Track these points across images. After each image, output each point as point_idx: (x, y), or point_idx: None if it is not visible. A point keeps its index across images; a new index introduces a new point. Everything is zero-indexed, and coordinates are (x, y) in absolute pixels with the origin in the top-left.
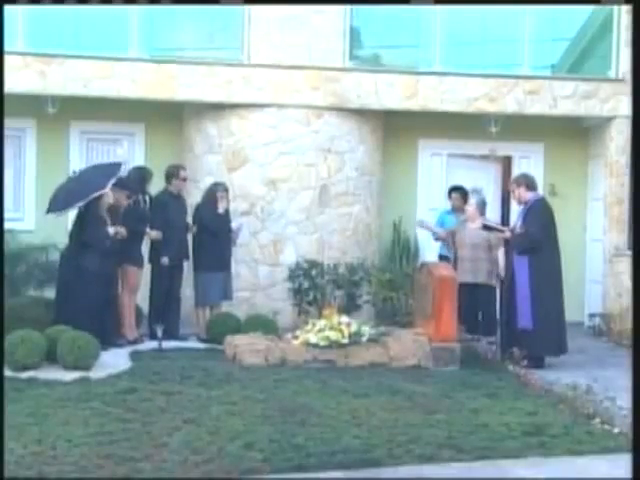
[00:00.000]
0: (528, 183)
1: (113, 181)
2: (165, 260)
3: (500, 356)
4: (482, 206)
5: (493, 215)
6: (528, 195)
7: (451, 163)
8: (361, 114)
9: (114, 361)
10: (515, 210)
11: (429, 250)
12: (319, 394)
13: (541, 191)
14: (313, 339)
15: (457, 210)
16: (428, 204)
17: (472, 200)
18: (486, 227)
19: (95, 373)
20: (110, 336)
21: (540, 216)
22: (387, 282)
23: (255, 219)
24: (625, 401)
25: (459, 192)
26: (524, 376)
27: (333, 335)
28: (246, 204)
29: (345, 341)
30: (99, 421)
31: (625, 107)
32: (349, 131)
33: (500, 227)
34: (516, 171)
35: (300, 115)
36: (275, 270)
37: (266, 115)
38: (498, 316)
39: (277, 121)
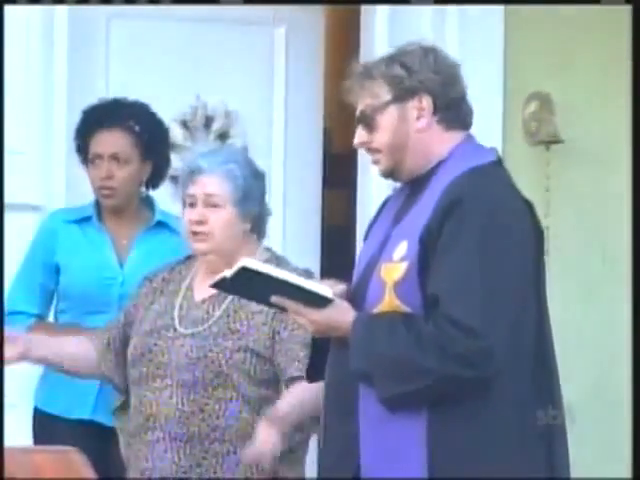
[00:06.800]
0: (437, 88)
1: None
2: None
3: None
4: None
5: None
6: (441, 142)
7: None
8: None
9: None
10: (375, 201)
11: None
12: None
13: (496, 137)
14: None
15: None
16: None
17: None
18: (215, 287)
19: None
20: None
21: (500, 247)
22: None
23: None
24: None
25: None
26: None
27: None
28: None
29: None
30: None
31: None
32: None
33: (297, 280)
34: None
35: None
36: None
37: None
38: None
39: None
